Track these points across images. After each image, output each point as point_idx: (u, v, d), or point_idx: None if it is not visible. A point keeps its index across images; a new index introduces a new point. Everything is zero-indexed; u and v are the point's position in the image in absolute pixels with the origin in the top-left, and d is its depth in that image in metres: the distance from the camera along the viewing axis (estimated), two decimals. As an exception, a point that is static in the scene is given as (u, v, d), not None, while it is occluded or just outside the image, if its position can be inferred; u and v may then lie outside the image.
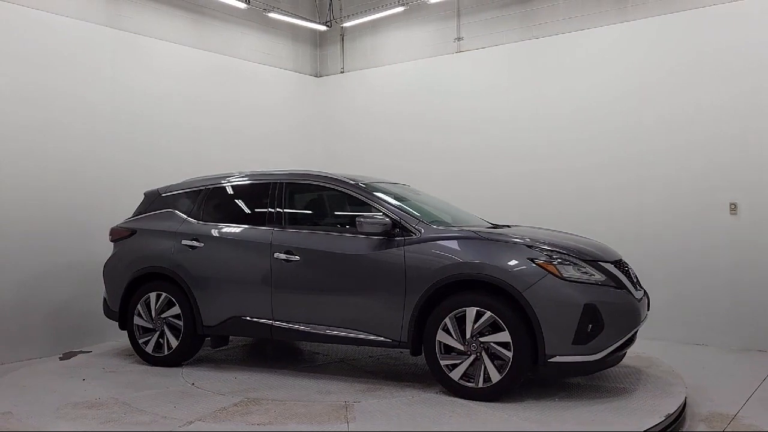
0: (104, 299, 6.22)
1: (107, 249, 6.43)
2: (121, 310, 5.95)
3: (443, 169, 8.77)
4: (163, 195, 6.20)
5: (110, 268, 6.16)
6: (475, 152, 8.57)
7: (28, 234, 6.63)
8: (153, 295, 5.79)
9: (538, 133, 8.11)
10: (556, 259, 4.58)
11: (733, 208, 6.79)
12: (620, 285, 4.69)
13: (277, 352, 6.49)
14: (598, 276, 4.60)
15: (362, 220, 4.95)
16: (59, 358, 6.24)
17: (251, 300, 5.43)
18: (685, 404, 4.65)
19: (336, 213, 5.90)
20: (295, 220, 5.65)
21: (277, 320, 5.33)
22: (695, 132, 7.04)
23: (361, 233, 5.02)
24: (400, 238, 4.92)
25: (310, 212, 5.97)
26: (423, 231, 4.91)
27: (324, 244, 5.24)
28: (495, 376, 4.51)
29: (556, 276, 4.48)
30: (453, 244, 4.78)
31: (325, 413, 4.41)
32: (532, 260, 4.55)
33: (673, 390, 4.84)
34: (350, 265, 5.07)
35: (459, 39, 8.85)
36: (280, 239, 5.37)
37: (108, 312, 6.16)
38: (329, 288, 5.19)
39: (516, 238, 4.79)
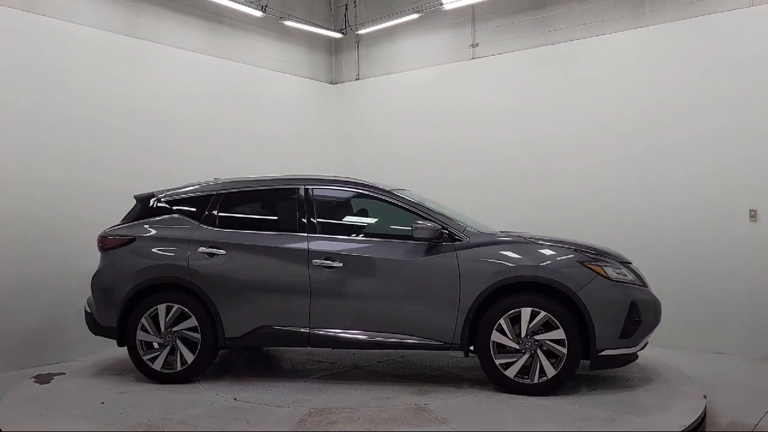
0: (89, 314, 5.67)
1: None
2: (120, 326, 5.42)
3: (457, 174, 8.75)
4: (164, 200, 5.75)
5: (103, 280, 5.58)
6: (490, 158, 8.55)
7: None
8: (162, 308, 5.35)
9: (553, 138, 8.07)
10: (600, 261, 5.01)
11: (753, 214, 6.72)
12: (644, 283, 5.20)
13: (275, 361, 6.29)
14: (630, 276, 5.09)
15: (418, 225, 5.04)
16: (34, 380, 5.58)
17: (285, 308, 5.25)
18: (704, 414, 4.60)
19: (374, 219, 5.80)
20: (330, 227, 5.52)
21: (316, 328, 5.20)
22: (715, 137, 6.97)
23: (417, 239, 5.07)
24: (449, 243, 5.07)
25: (345, 218, 5.83)
26: (470, 236, 5.12)
27: (368, 250, 5.21)
28: (550, 372, 4.82)
29: (604, 277, 4.91)
30: (506, 249, 5.06)
31: (410, 417, 4.42)
32: (580, 263, 4.94)
33: (692, 399, 4.79)
34: (400, 271, 5.10)
35: (474, 45, 8.85)
36: (318, 245, 5.26)
37: (97, 328, 5.61)
38: (376, 294, 5.14)
39: (562, 242, 5.16)
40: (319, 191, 5.54)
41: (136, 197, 5.89)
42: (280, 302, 5.26)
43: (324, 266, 5.19)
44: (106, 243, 5.68)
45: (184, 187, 5.87)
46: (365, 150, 9.77)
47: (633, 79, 7.52)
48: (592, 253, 5.08)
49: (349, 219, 5.84)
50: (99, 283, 5.62)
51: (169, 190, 5.84)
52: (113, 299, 5.46)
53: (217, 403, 4.84)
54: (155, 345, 5.37)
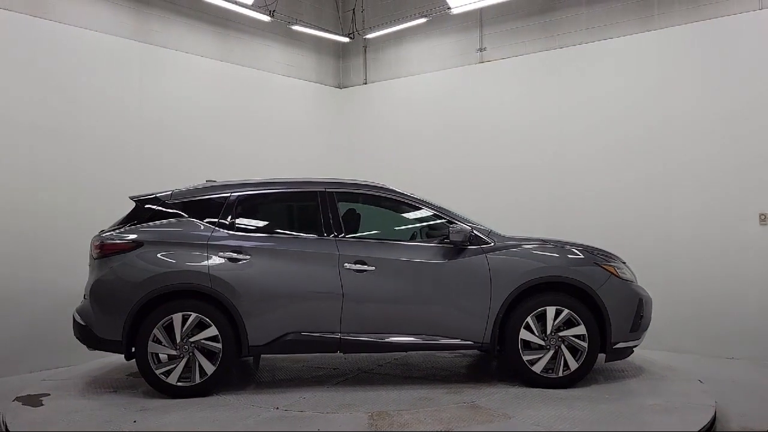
0: (83, 327, 5.15)
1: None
2: (127, 338, 5.00)
3: (464, 177, 8.76)
4: (169, 202, 5.35)
5: (106, 289, 5.08)
6: (497, 162, 8.55)
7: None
8: (177, 317, 4.99)
9: (560, 142, 8.06)
10: (611, 261, 5.35)
11: (763, 218, 6.69)
12: (636, 281, 5.52)
13: (274, 370, 5.99)
14: (629, 274, 5.44)
15: (455, 228, 5.17)
16: (21, 404, 4.96)
17: (315, 314, 5.11)
18: (714, 419, 4.57)
19: (398, 223, 5.79)
20: (355, 230, 5.47)
21: (347, 333, 5.11)
22: (723, 141, 6.95)
23: (452, 242, 5.18)
24: (476, 246, 5.22)
25: (370, 222, 5.78)
26: (496, 239, 5.30)
27: (399, 253, 5.22)
28: (573, 365, 5.12)
29: (616, 276, 5.27)
30: (531, 251, 5.29)
31: (472, 414, 4.48)
32: (596, 263, 5.26)
33: (702, 404, 4.76)
34: (434, 273, 5.17)
35: (481, 49, 8.86)
36: (349, 249, 5.18)
37: (95, 342, 5.12)
38: (411, 297, 5.15)
39: (578, 245, 5.42)
40: (342, 195, 5.47)
41: (135, 199, 5.46)
42: (310, 307, 5.12)
43: (356, 270, 5.14)
44: (107, 249, 5.16)
45: (190, 189, 5.51)
46: (372, 154, 9.78)
47: (641, 82, 7.50)
48: (604, 255, 5.40)
49: (373, 223, 5.81)
50: (100, 292, 5.11)
51: (174, 192, 5.45)
52: (118, 310, 5.00)
53: (263, 414, 4.62)
54: (163, 357, 5.01)
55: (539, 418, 4.41)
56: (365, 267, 5.15)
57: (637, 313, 5.26)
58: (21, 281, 6.60)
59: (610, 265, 5.30)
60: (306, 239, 5.28)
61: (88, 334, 5.14)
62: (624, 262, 5.50)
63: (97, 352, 5.28)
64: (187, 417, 4.58)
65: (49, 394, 5.23)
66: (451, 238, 5.15)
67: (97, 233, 5.38)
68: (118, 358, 6.06)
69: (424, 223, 5.55)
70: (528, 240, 5.40)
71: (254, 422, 4.45)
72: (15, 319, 6.55)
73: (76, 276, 5.92)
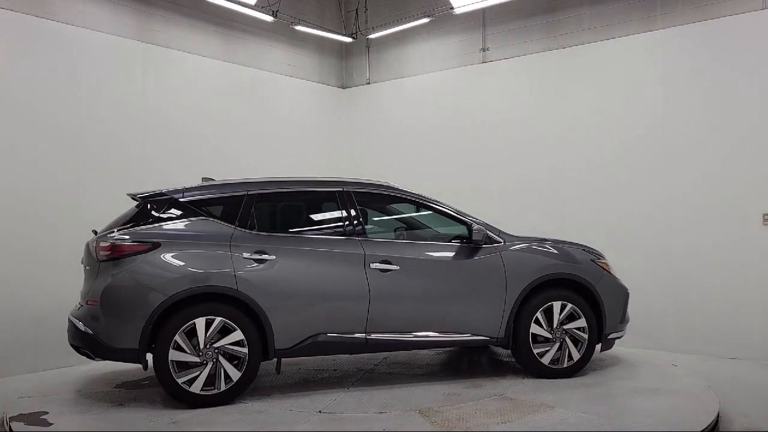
0: (87, 335, 4.76)
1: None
2: (147, 347, 4.68)
3: (465, 178, 8.75)
4: (182, 200, 5.07)
5: (120, 294, 4.71)
6: (500, 162, 8.54)
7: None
8: (200, 322, 4.70)
9: (563, 142, 8.06)
10: (602, 258, 5.74)
11: (766, 218, 6.67)
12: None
13: (277, 375, 5.69)
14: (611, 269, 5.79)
15: (475, 228, 5.37)
16: (24, 423, 4.51)
17: (342, 314, 5.05)
18: (717, 419, 4.56)
19: (415, 224, 5.87)
20: (376, 231, 5.60)
21: (373, 333, 5.10)
22: (726, 141, 6.94)
23: (473, 241, 5.37)
24: (490, 246, 5.43)
25: (389, 223, 5.88)
26: (506, 239, 5.53)
27: (421, 253, 5.34)
28: (576, 356, 5.44)
29: (607, 272, 5.67)
30: (539, 249, 5.56)
31: (514, 407, 4.63)
32: (592, 261, 5.63)
33: (705, 404, 4.76)
34: (455, 272, 5.35)
35: (484, 49, 8.86)
36: (374, 249, 5.19)
37: (105, 351, 4.75)
38: (435, 295, 5.25)
39: (576, 243, 5.75)
40: (361, 196, 5.46)
41: (141, 197, 5.11)
42: (337, 308, 5.06)
43: (381, 269, 5.16)
44: (119, 250, 4.77)
45: (203, 186, 5.30)
46: (375, 154, 9.78)
47: (644, 82, 7.49)
48: (596, 252, 5.77)
49: (392, 223, 5.89)
50: (113, 297, 4.71)
51: (186, 189, 5.18)
52: (135, 316, 4.65)
53: (311, 418, 4.50)
54: (200, 363, 4.73)
55: (578, 405, 4.63)
56: (390, 266, 5.19)
57: (625, 306, 5.71)
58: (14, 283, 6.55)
59: (602, 262, 5.70)
60: (330, 239, 5.22)
61: (94, 343, 4.74)
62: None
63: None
64: (233, 427, 4.36)
65: (47, 412, 4.75)
66: (473, 237, 5.35)
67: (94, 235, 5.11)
68: (94, 368, 6.01)
69: (440, 224, 5.69)
70: (533, 239, 5.64)
71: (310, 425, 4.36)
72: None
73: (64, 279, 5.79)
